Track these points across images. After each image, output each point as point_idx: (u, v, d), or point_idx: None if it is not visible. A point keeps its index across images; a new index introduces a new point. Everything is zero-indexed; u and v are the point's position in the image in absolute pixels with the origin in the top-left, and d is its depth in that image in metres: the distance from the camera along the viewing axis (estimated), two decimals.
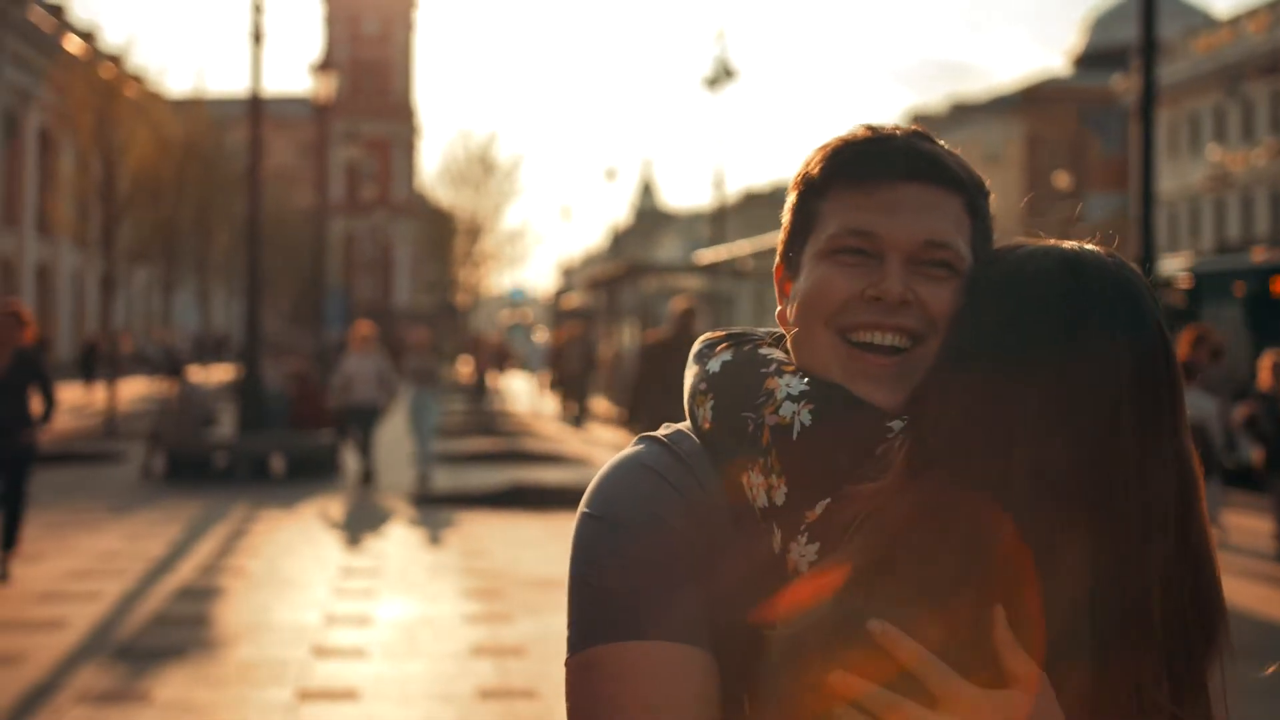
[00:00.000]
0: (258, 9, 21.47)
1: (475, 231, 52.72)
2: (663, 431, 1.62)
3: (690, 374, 1.64)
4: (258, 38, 21.57)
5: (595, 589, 1.51)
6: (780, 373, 1.56)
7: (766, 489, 1.50)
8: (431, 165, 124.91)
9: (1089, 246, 1.54)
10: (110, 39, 72.60)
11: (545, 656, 8.88)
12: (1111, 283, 1.48)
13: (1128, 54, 56.62)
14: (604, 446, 24.92)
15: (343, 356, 20.19)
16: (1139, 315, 1.47)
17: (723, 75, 38.70)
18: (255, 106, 21.62)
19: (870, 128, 1.65)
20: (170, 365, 30.17)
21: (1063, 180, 56.18)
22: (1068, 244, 1.54)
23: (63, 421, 28.97)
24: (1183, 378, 1.51)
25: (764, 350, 1.62)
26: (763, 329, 1.71)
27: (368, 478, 18.34)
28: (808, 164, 1.66)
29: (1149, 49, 16.91)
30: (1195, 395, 12.41)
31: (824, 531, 1.46)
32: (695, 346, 1.69)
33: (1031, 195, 62.92)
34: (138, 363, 48.24)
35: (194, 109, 42.68)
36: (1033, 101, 69.73)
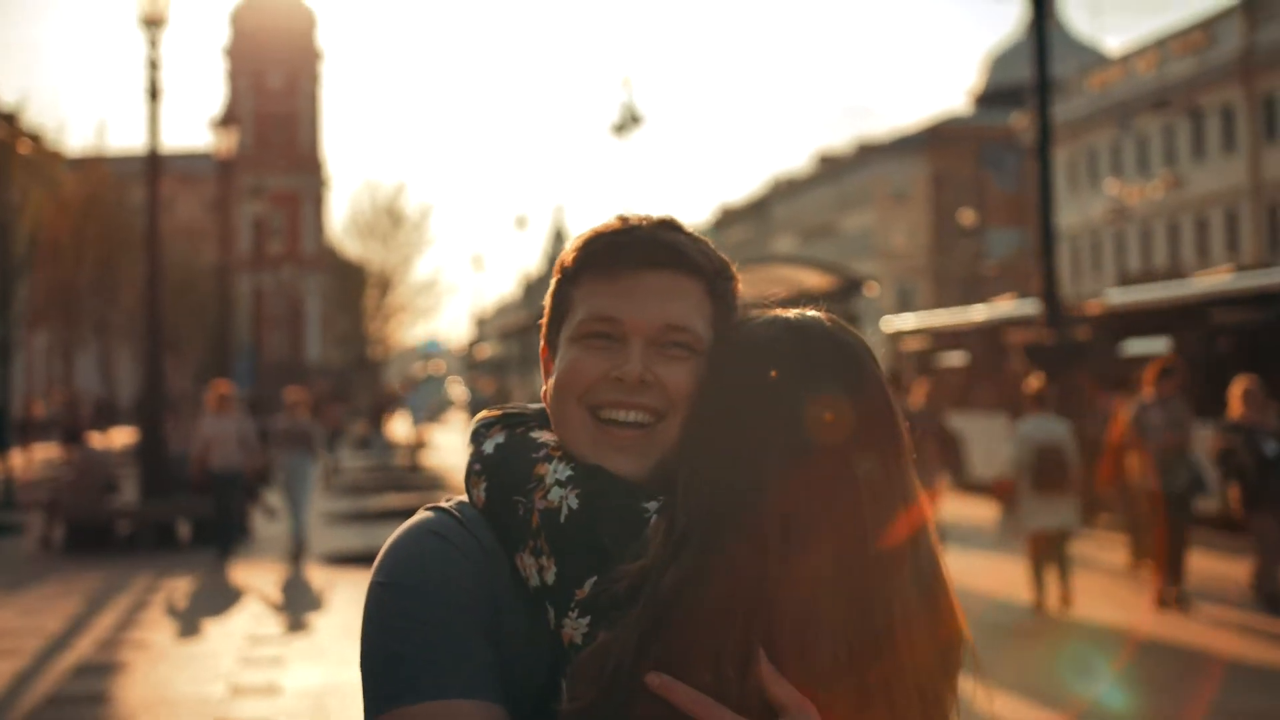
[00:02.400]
0: (154, 65, 21.10)
1: (385, 284, 52.30)
2: (447, 501, 1.74)
3: (468, 453, 1.76)
4: (154, 94, 21.18)
5: (387, 654, 1.60)
6: (549, 458, 1.68)
7: (538, 569, 1.62)
8: (340, 217, 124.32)
9: (811, 314, 1.70)
10: (2, 96, 71.47)
11: None
12: (833, 345, 1.65)
13: (1024, 92, 57.68)
14: None
15: (197, 419, 18.67)
16: (861, 372, 1.64)
17: (630, 121, 38.76)
18: (153, 163, 21.21)
19: (623, 219, 1.79)
20: (68, 431, 29.47)
21: (968, 217, 56.84)
22: (793, 313, 1.70)
23: None
24: (901, 428, 1.66)
25: (535, 434, 1.74)
26: (535, 405, 1.84)
27: (223, 552, 16.67)
28: (567, 253, 1.80)
29: (1043, 87, 17.14)
30: (1046, 421, 12.22)
31: (593, 606, 1.58)
32: (472, 425, 1.81)
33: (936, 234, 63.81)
34: (48, 429, 47.21)
35: (94, 166, 42.03)
36: (936, 140, 70.71)
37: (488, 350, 52.77)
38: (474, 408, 39.10)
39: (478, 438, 1.77)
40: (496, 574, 1.64)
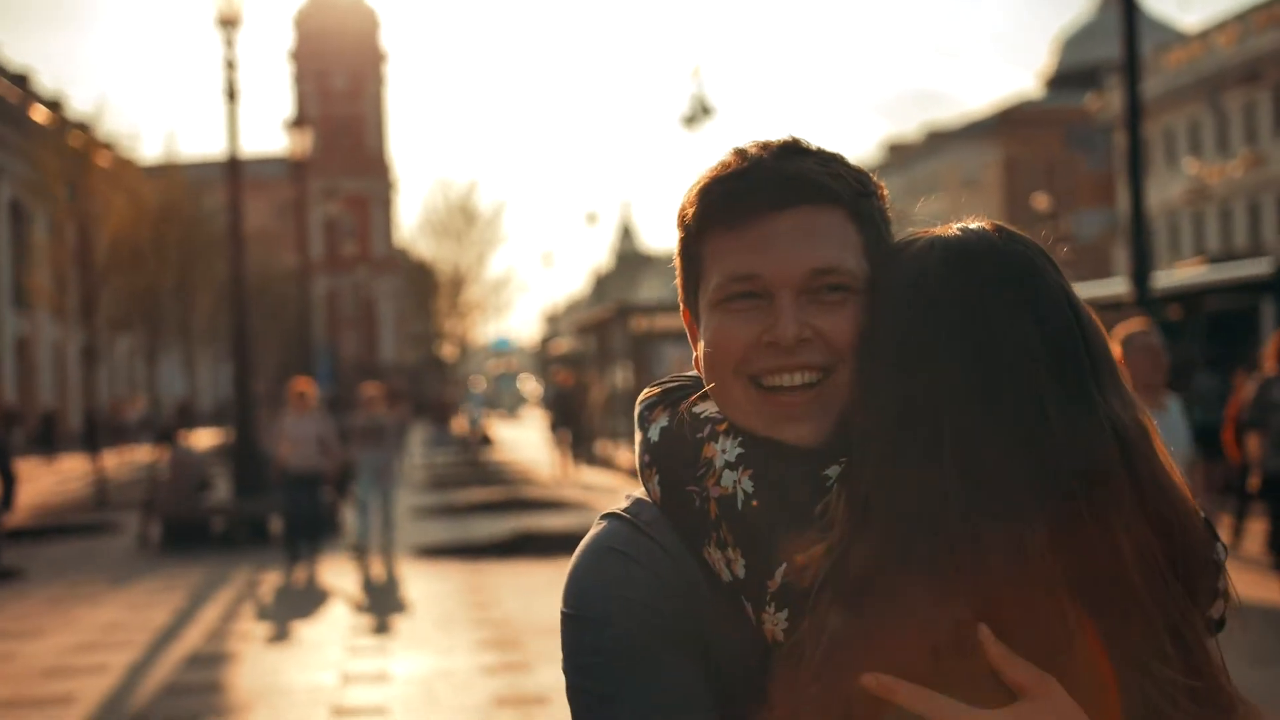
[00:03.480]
0: (230, 65, 21.34)
1: (459, 282, 52.49)
2: (623, 504, 1.59)
3: (636, 441, 1.62)
4: (232, 95, 21.43)
5: (583, 693, 1.50)
6: (715, 435, 1.53)
7: (726, 563, 1.48)
8: (411, 218, 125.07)
9: (976, 227, 1.52)
10: (78, 106, 72.42)
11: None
12: (1004, 264, 1.47)
13: (1099, 73, 57.05)
14: (602, 491, 24.67)
15: (279, 418, 17.85)
16: (1038, 288, 1.46)
17: (700, 113, 38.72)
18: (233, 164, 21.47)
19: (739, 152, 1.61)
20: (160, 432, 29.87)
21: (1041, 201, 56.27)
22: (954, 229, 1.52)
23: (50, 495, 28.67)
24: (1104, 342, 1.49)
25: (699, 408, 1.58)
26: (692, 373, 1.68)
27: (299, 557, 15.67)
28: (684, 205, 1.63)
29: (1132, 63, 16.86)
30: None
31: (788, 598, 1.44)
32: (636, 409, 1.66)
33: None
34: (135, 431, 47.86)
35: (169, 173, 42.49)
36: (1008, 125, 69.99)
37: (563, 346, 52.85)
38: (548, 402, 39.21)
39: (643, 423, 1.62)
40: (685, 577, 1.50)
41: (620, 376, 31.89)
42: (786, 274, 1.52)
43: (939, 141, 75.14)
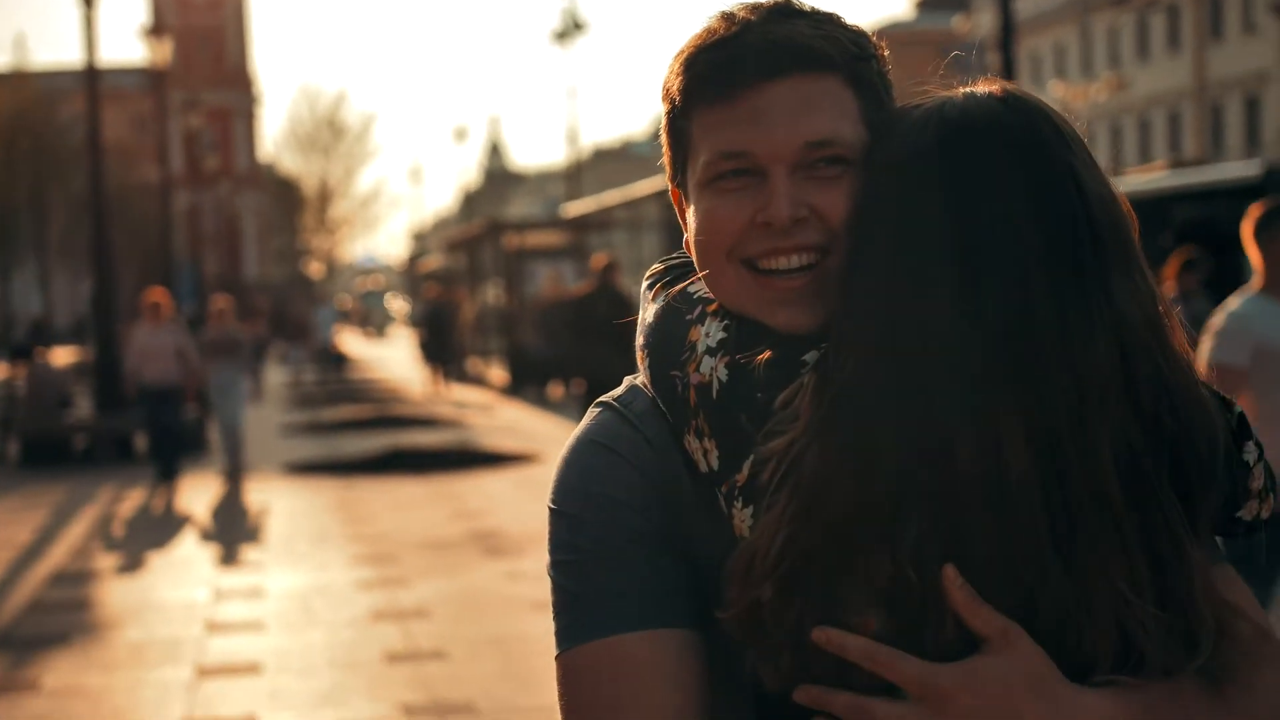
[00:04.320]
0: None
1: (326, 197, 51.63)
2: (618, 391, 1.53)
3: (638, 321, 1.54)
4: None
5: (559, 590, 1.46)
6: (703, 318, 1.45)
7: (703, 453, 1.41)
8: (276, 132, 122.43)
9: (982, 93, 1.39)
10: None
11: (449, 618, 8.60)
12: (1002, 139, 1.34)
13: None
14: (474, 408, 24.57)
15: (132, 330, 16.76)
16: (1039, 166, 1.33)
17: (572, 28, 38.33)
18: (91, 70, 20.70)
19: (726, 16, 1.48)
20: (16, 348, 29.05)
21: None
22: (958, 96, 1.39)
23: None
24: (1120, 227, 1.35)
25: (693, 288, 1.49)
26: None
27: (167, 474, 15.23)
28: (669, 77, 1.52)
29: None
30: None
31: (753, 494, 1.36)
32: (643, 282, 1.58)
33: None
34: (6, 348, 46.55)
35: (20, 81, 41.07)
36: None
37: (432, 263, 52.36)
38: (418, 319, 38.93)
39: (643, 301, 1.54)
40: (669, 471, 1.44)
41: (491, 294, 31.68)
42: (779, 149, 1.41)
43: None
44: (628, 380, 1.54)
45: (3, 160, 37.13)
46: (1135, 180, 18.64)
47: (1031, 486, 1.26)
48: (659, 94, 1.53)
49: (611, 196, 29.11)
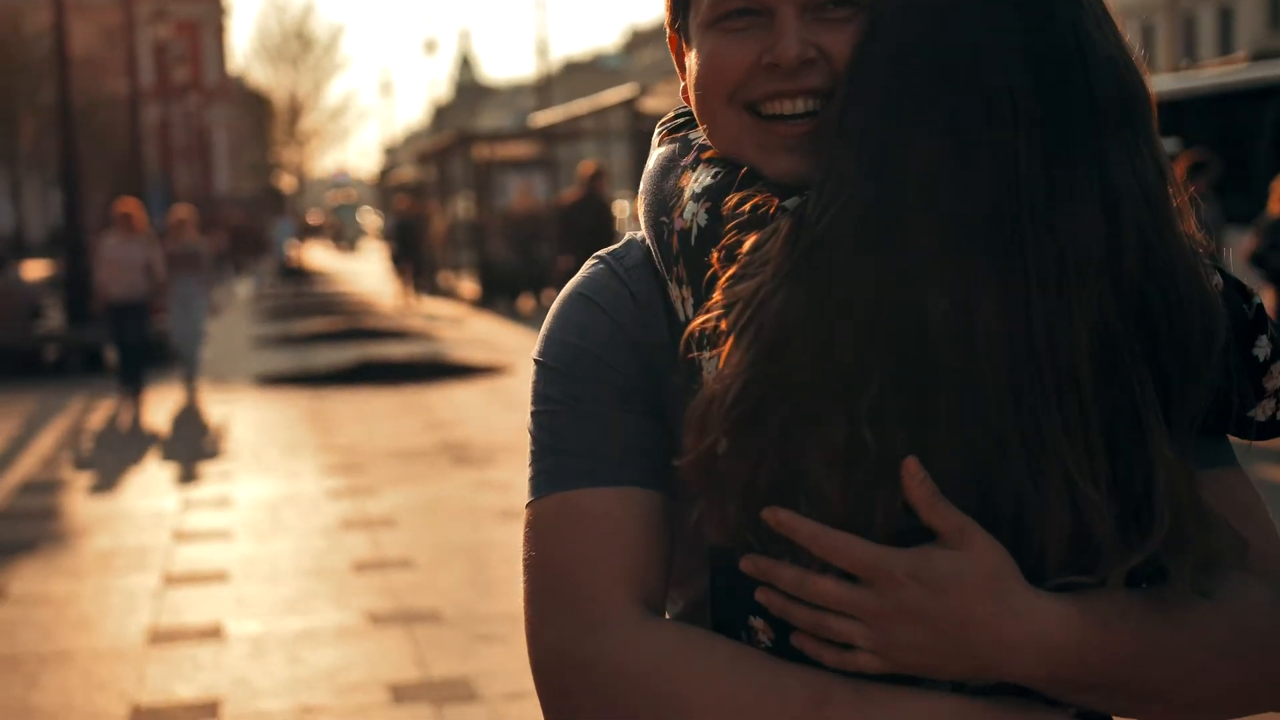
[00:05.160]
0: None
1: (296, 110, 51.13)
2: (617, 246, 1.49)
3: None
4: None
5: (533, 439, 1.43)
6: (696, 164, 1.40)
7: (681, 302, 1.37)
8: (246, 44, 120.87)
9: None
10: None
11: (417, 526, 8.69)
12: None
13: None
14: (445, 320, 24.56)
15: (100, 242, 16.14)
16: (1039, 21, 1.25)
17: None
18: None
19: None
20: None
21: None
22: None
23: None
24: (1125, 89, 1.28)
25: (694, 134, 1.45)
26: None
27: (132, 389, 14.91)
28: None
29: None
30: None
31: (716, 339, 1.29)
32: (655, 130, 1.54)
33: None
34: None
35: None
36: None
37: (403, 176, 52.01)
38: (389, 233, 38.75)
39: (652, 149, 1.50)
40: (652, 326, 1.41)
41: (462, 206, 31.52)
42: None
43: None
44: (628, 234, 1.52)
45: None
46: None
47: (998, 353, 1.21)
48: None
49: (580, 106, 28.87)
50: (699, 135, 1.45)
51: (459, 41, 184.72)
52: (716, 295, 1.31)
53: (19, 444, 12.51)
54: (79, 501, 9.86)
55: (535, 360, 1.46)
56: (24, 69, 41.83)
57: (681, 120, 1.52)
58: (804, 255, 1.25)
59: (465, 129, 38.07)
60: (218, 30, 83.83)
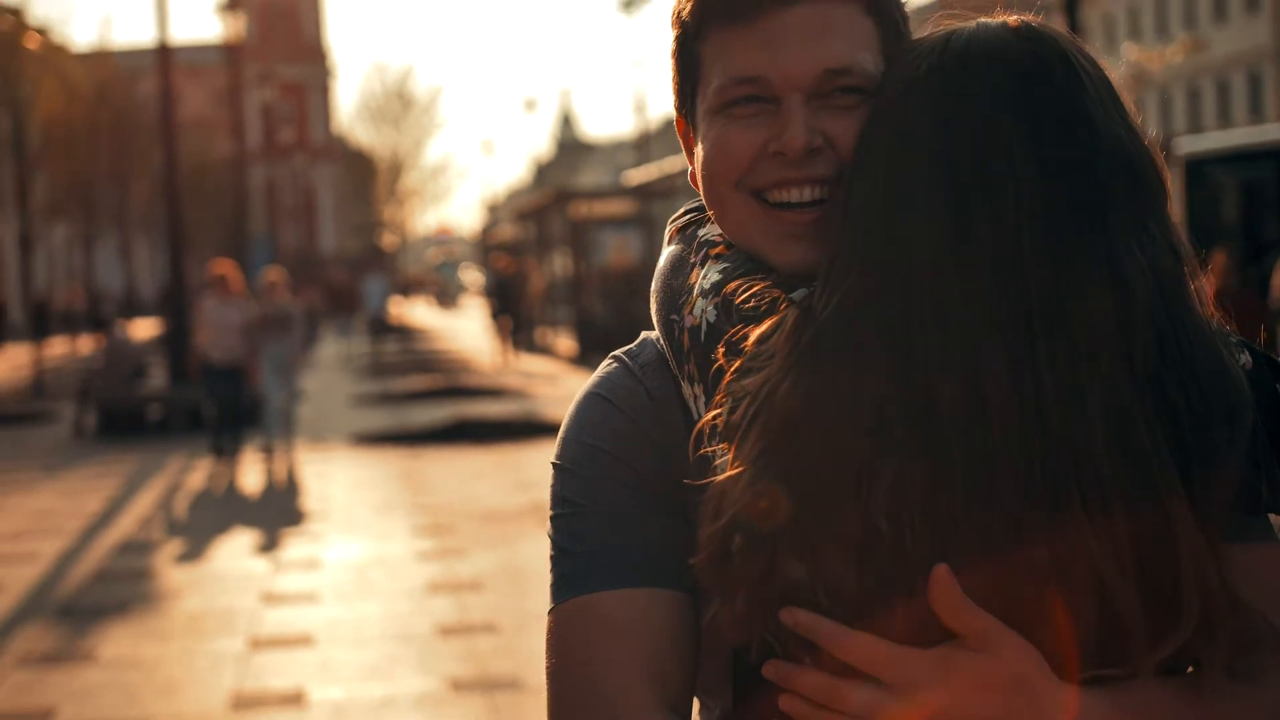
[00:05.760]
0: None
1: (396, 169, 52.02)
2: (633, 345, 1.48)
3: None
4: None
5: (552, 543, 1.41)
6: (705, 261, 1.40)
7: (694, 400, 1.36)
8: (349, 104, 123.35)
9: (997, 23, 1.30)
10: None
11: (504, 590, 8.67)
12: (1005, 70, 1.25)
13: None
14: (542, 378, 24.68)
15: (199, 304, 16.09)
16: (1044, 101, 1.23)
17: None
18: (164, 46, 21.01)
19: None
20: (96, 320, 29.52)
21: None
22: (971, 26, 1.31)
23: None
24: (1136, 169, 1.25)
25: (703, 231, 1.45)
26: None
27: (228, 450, 14.97)
28: (679, 2, 1.45)
29: None
30: None
31: (728, 434, 1.28)
32: (666, 228, 1.54)
33: None
34: (72, 320, 47.53)
35: (102, 59, 41.68)
36: (946, 6, 69.56)
37: (503, 233, 52.57)
38: (489, 290, 39.08)
39: (664, 247, 1.50)
40: (668, 423, 1.39)
41: (559, 263, 31.72)
42: (796, 75, 1.35)
43: None
44: (644, 335, 1.50)
45: (85, 136, 37.70)
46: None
47: (1013, 439, 1.17)
48: (668, 18, 1.48)
49: (673, 163, 28.99)
50: (707, 232, 1.44)
51: (559, 100, 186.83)
52: (722, 390, 1.29)
53: (118, 503, 12.73)
54: (172, 563, 9.99)
55: (552, 464, 1.43)
56: (136, 132, 42.99)
57: (689, 217, 1.51)
58: (810, 346, 1.24)
59: (562, 187, 38.37)
60: (323, 91, 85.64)
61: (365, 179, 58.80)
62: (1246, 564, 1.25)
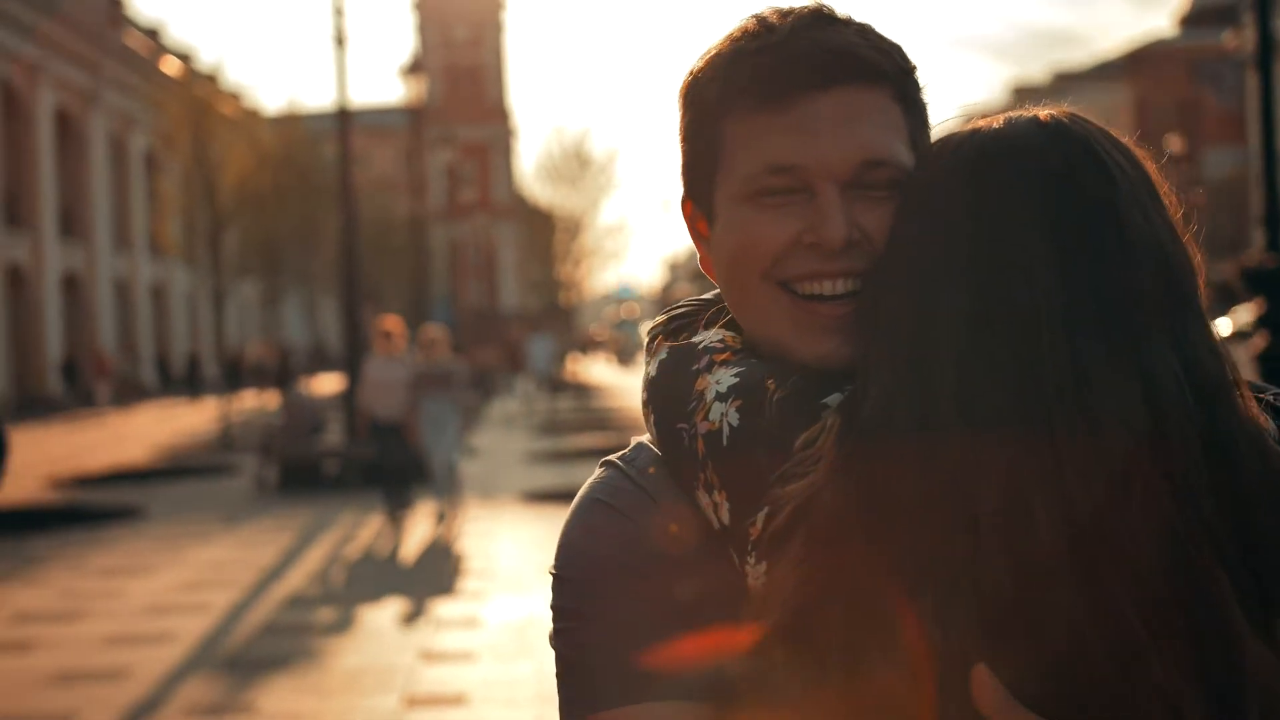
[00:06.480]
0: (339, 12, 21.44)
1: (575, 228, 52.72)
2: (625, 450, 1.42)
3: (642, 376, 1.43)
4: (340, 41, 21.52)
5: (558, 657, 1.36)
6: (712, 366, 1.33)
7: (714, 508, 1.29)
8: (529, 164, 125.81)
9: (1025, 118, 1.25)
10: (205, 59, 73.89)
11: None
12: (1029, 170, 1.20)
13: (1237, 9, 55.12)
14: None
15: (365, 362, 16.11)
16: (1069, 201, 1.19)
17: None
18: (343, 109, 21.58)
19: (759, 20, 1.36)
20: (280, 377, 30.36)
21: (1175, 143, 54.71)
22: (999, 122, 1.26)
23: (180, 437, 29.39)
24: (1170, 271, 1.19)
25: (699, 337, 1.38)
26: (710, 294, 1.46)
27: (396, 507, 15.03)
28: (697, 78, 1.38)
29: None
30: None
31: (769, 548, 1.24)
32: (644, 337, 1.47)
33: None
34: (260, 375, 49.22)
35: (290, 122, 43.16)
36: (1140, 64, 68.21)
37: (682, 291, 52.79)
38: None
39: (648, 355, 1.42)
40: (678, 529, 1.33)
41: None
42: (833, 165, 1.30)
43: (1067, 83, 73.41)
44: (634, 439, 1.44)
45: (273, 196, 39.04)
46: None
47: (1060, 544, 1.11)
48: (677, 96, 1.41)
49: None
50: (704, 338, 1.37)
51: None
52: (762, 495, 1.24)
53: (291, 556, 12.97)
54: (336, 618, 10.10)
55: (551, 574, 1.37)
56: (322, 192, 44.37)
57: (676, 324, 1.44)
58: (851, 450, 1.19)
59: None
60: (505, 151, 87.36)
61: (545, 237, 59.79)
62: None
